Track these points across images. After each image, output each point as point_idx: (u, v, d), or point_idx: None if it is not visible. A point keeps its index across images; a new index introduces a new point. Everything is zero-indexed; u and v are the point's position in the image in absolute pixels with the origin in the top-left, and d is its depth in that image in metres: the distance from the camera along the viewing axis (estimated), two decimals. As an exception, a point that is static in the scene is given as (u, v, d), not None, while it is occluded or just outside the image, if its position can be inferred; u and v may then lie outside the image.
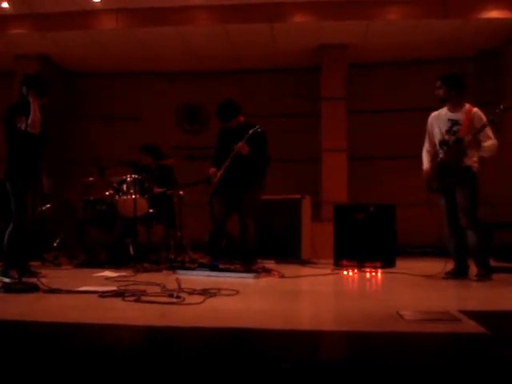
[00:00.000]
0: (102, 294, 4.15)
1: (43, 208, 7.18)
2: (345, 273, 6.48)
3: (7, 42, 9.40)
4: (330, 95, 9.52)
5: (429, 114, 5.77)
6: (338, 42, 9.28)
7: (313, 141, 9.92)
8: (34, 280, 4.77)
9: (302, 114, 10.40)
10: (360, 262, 6.95)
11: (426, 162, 5.73)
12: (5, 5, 8.66)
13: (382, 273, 6.46)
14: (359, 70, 10.00)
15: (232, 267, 6.23)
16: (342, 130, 9.42)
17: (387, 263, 6.92)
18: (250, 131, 6.04)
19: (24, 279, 4.78)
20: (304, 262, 7.51)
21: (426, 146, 5.76)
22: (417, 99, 9.52)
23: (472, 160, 5.38)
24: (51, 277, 5.32)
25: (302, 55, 9.87)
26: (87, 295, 4.22)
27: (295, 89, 10.47)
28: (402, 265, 6.95)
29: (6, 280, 4.80)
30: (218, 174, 6.30)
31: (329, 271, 6.52)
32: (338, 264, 7.15)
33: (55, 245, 7.71)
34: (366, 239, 7.07)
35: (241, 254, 6.39)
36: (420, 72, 9.88)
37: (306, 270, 6.64)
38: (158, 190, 7.42)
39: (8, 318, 3.26)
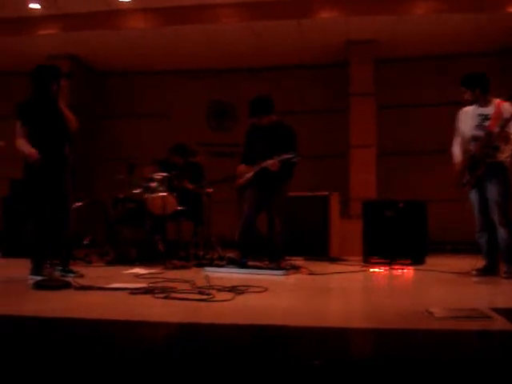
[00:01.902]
0: (133, 291, 4.19)
1: (73, 206, 7.26)
2: (374, 270, 6.44)
3: (38, 43, 9.56)
4: (359, 91, 9.47)
5: (458, 108, 5.71)
6: (366, 37, 9.22)
7: (341, 137, 9.88)
8: (67, 278, 4.85)
9: (329, 109, 10.37)
10: (389, 260, 6.91)
11: (456, 157, 5.67)
12: (36, 6, 8.78)
13: (411, 270, 6.41)
14: (387, 65, 9.93)
15: (261, 264, 6.24)
16: (370, 126, 9.37)
17: (417, 260, 6.87)
18: (286, 157, 5.92)
19: (59, 277, 4.88)
20: (333, 259, 7.49)
21: (457, 141, 5.70)
22: (445, 93, 9.41)
23: (505, 155, 5.32)
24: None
25: (330, 51, 9.83)
26: (118, 292, 4.25)
27: (323, 85, 10.44)
28: (432, 262, 6.90)
29: (38, 278, 4.86)
30: (247, 176, 6.27)
31: (358, 268, 6.49)
32: (368, 261, 7.11)
33: (86, 242, 7.82)
34: (395, 236, 7.02)
35: (269, 251, 6.39)
36: (447, 66, 9.78)
37: (334, 267, 6.61)
38: (190, 185, 7.46)
39: (41, 315, 3.32)
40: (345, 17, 8.61)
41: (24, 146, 5.09)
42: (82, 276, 5.19)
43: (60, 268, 5.21)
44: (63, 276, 5.06)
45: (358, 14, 8.54)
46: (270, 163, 5.96)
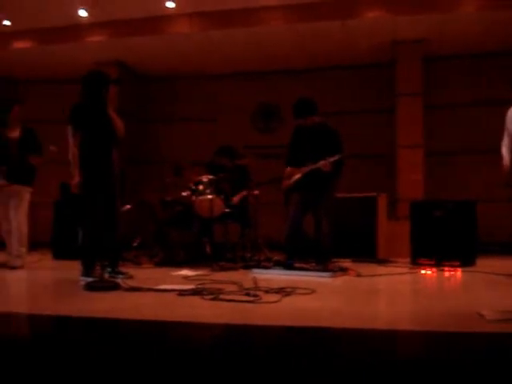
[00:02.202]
0: (181, 293, 4.24)
1: (123, 209, 7.38)
2: (423, 272, 6.35)
3: (85, 49, 9.75)
4: (406, 91, 9.35)
5: (507, 107, 5.59)
6: (413, 36, 9.09)
7: (388, 137, 9.78)
8: (116, 279, 4.95)
9: (376, 110, 10.27)
10: (438, 261, 6.82)
11: (505, 157, 5.56)
12: (84, 13, 8.97)
13: (461, 272, 6.31)
14: (435, 64, 9.78)
15: (307, 266, 6.23)
16: (418, 126, 9.24)
17: (467, 262, 6.75)
18: (337, 157, 5.94)
19: (108, 278, 4.97)
20: (380, 261, 7.42)
21: (505, 141, 5.58)
22: (495, 92, 9.22)
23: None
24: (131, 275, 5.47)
25: (376, 51, 9.74)
26: (166, 293, 4.31)
27: (369, 85, 10.35)
28: (482, 263, 6.77)
29: (88, 279, 4.96)
30: (295, 178, 6.27)
31: (406, 270, 6.42)
32: (416, 263, 7.02)
33: (135, 244, 7.95)
34: (444, 237, 6.92)
35: (316, 252, 6.37)
36: (497, 64, 9.58)
37: (382, 269, 6.56)
38: (236, 199, 7.49)
39: (92, 316, 3.39)
40: (391, 16, 8.51)
41: (74, 168, 5.29)
42: (131, 277, 5.28)
43: (109, 270, 5.31)
44: (113, 277, 5.16)
45: (405, 13, 8.43)
46: (322, 164, 5.95)
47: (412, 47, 9.30)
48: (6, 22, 9.30)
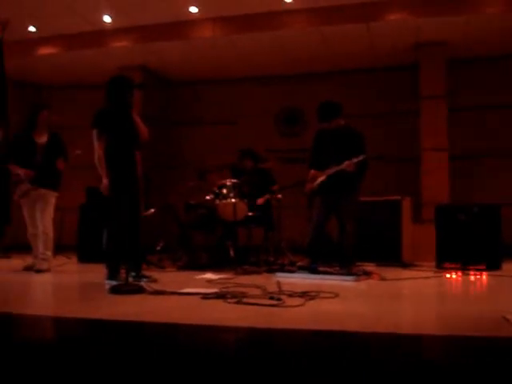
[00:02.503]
0: (205, 296, 4.25)
1: (146, 212, 7.43)
2: (448, 276, 6.30)
3: (110, 54, 9.86)
4: (430, 93, 9.29)
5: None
6: (436, 38, 9.03)
7: (412, 140, 9.71)
8: (140, 282, 4.99)
9: (400, 112, 10.22)
10: (464, 265, 6.76)
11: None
12: (108, 19, 9.06)
13: (486, 275, 6.23)
14: (459, 67, 9.70)
15: (331, 270, 6.21)
16: (442, 129, 9.17)
17: (492, 265, 6.67)
18: (361, 157, 5.94)
19: (132, 281, 5.01)
20: (405, 265, 7.37)
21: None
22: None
23: None
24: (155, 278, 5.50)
25: (399, 53, 9.69)
26: (190, 297, 4.32)
27: (392, 88, 10.30)
28: (507, 267, 6.69)
29: (113, 282, 5.00)
30: (319, 180, 6.27)
31: (431, 274, 6.37)
32: (441, 267, 6.97)
33: (159, 248, 7.99)
34: (469, 241, 6.86)
35: (340, 256, 6.34)
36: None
37: (407, 273, 6.51)
38: (260, 200, 7.50)
39: (116, 319, 3.41)
40: (414, 18, 8.46)
41: (102, 171, 5.33)
42: (155, 281, 5.30)
43: (133, 274, 5.34)
44: (137, 281, 5.19)
45: (428, 15, 8.37)
46: (346, 164, 5.96)
47: (435, 49, 9.24)
48: (32, 29, 9.42)
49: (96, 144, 5.39)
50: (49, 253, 6.71)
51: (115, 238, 5.31)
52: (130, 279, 4.99)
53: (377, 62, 10.19)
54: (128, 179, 5.31)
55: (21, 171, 6.68)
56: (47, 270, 6.58)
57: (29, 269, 6.70)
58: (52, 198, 6.75)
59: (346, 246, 6.17)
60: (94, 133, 5.40)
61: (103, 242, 5.36)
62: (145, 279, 5.30)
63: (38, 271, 6.48)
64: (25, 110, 7.44)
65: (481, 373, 2.21)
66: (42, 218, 6.65)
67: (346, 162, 5.96)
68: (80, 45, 9.71)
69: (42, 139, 6.74)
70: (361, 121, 8.12)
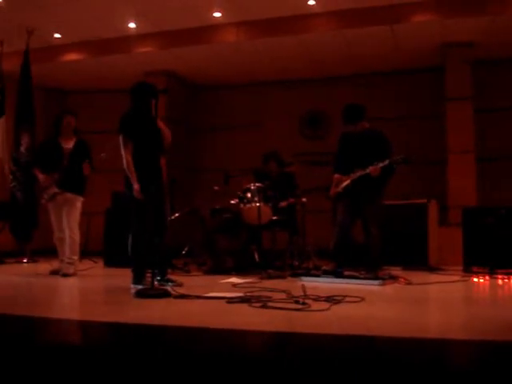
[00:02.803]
0: (230, 300, 4.25)
1: (172, 217, 7.46)
2: (475, 280, 6.23)
3: (135, 60, 9.93)
4: (456, 95, 9.19)
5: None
6: (462, 39, 8.93)
7: (438, 142, 9.63)
8: (165, 286, 5.01)
9: (425, 115, 10.13)
10: (492, 269, 6.68)
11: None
12: (132, 25, 9.13)
13: (515, 279, 6.16)
14: (484, 68, 9.58)
15: (357, 274, 6.17)
16: (469, 131, 9.06)
17: (521, 269, 6.59)
18: (387, 162, 5.92)
19: (158, 285, 5.03)
20: (432, 269, 7.30)
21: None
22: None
23: None
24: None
25: (424, 55, 9.62)
26: (215, 301, 4.33)
27: (417, 90, 10.23)
28: (537, 271, 6.59)
29: (139, 287, 5.02)
30: (344, 184, 6.24)
31: (458, 278, 6.30)
32: (468, 270, 6.90)
33: (184, 252, 8.02)
34: (497, 244, 6.78)
35: (366, 260, 6.30)
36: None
37: (433, 277, 6.45)
38: (284, 203, 7.49)
39: (142, 322, 3.42)
40: (439, 20, 8.38)
41: (132, 176, 5.34)
42: (181, 285, 5.32)
43: (159, 278, 5.36)
44: (162, 285, 5.21)
45: (453, 16, 8.28)
46: (372, 169, 5.92)
47: (461, 51, 9.13)
48: (57, 35, 9.53)
49: (123, 149, 5.41)
50: (75, 257, 6.77)
51: (141, 243, 5.33)
52: (156, 283, 5.01)
53: (401, 65, 10.12)
54: (154, 184, 5.32)
55: (41, 177, 6.77)
56: (73, 274, 6.64)
57: (55, 273, 6.77)
58: (78, 202, 6.81)
59: (371, 250, 6.13)
60: (121, 138, 5.43)
61: (128, 247, 5.38)
62: (171, 283, 5.32)
63: (64, 275, 6.54)
64: (50, 115, 7.53)
65: (509, 378, 2.17)
66: (68, 222, 6.72)
67: (371, 167, 5.93)
68: (105, 51, 9.80)
69: (69, 144, 6.82)
70: (386, 123, 8.05)
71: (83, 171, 6.65)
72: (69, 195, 6.74)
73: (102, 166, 7.36)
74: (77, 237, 6.80)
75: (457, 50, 9.13)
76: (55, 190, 6.71)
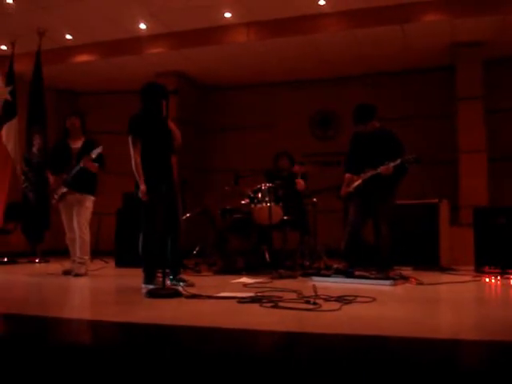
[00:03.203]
0: (240, 300, 4.25)
1: (183, 217, 7.47)
2: (487, 280, 6.20)
3: (145, 61, 9.98)
4: (467, 95, 9.15)
5: None
6: (473, 39, 8.90)
7: (449, 142, 9.60)
8: (177, 286, 5.02)
9: (436, 114, 10.11)
10: (503, 269, 6.64)
11: None
12: (143, 26, 9.17)
13: (528, 279, 6.13)
14: (495, 67, 9.54)
15: (368, 274, 6.16)
16: (480, 130, 9.03)
17: (534, 269, 6.55)
18: (398, 161, 5.90)
19: (171, 285, 5.04)
20: (443, 269, 7.27)
21: None
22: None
23: None
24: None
25: (435, 55, 9.59)
26: (226, 301, 4.33)
27: (428, 89, 10.20)
28: (550, 271, 6.55)
29: (150, 286, 5.03)
30: (355, 184, 6.23)
31: (469, 278, 6.27)
32: (480, 271, 6.86)
33: (195, 252, 8.03)
34: (509, 244, 6.74)
35: (376, 260, 6.29)
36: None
37: (445, 277, 6.42)
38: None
39: (153, 322, 3.43)
40: (449, 19, 8.35)
41: (139, 177, 5.36)
42: (193, 285, 5.32)
43: (171, 277, 5.38)
44: (174, 285, 5.22)
45: (464, 15, 8.25)
46: (383, 169, 5.91)
47: (472, 50, 9.10)
48: (68, 37, 9.58)
49: (132, 150, 5.43)
50: (86, 257, 6.81)
51: (151, 243, 5.33)
52: (168, 283, 5.02)
53: (412, 64, 10.10)
54: (164, 184, 5.30)
55: (51, 179, 6.82)
56: (84, 274, 6.68)
57: (67, 273, 6.80)
58: (88, 201, 6.84)
59: (382, 249, 6.11)
60: (130, 139, 5.44)
61: (139, 247, 5.39)
62: (182, 283, 5.33)
63: (76, 275, 6.58)
64: (62, 116, 7.56)
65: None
66: (78, 222, 6.76)
67: (382, 167, 5.92)
68: (116, 52, 9.85)
69: (77, 144, 6.86)
70: (396, 123, 8.03)
71: (91, 170, 6.64)
72: (78, 195, 6.77)
73: (113, 167, 7.39)
74: (87, 237, 6.82)
75: (467, 49, 9.10)
76: (64, 189, 6.75)
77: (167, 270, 5.08)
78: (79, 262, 6.72)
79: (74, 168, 6.67)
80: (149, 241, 5.33)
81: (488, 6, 8.13)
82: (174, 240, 5.45)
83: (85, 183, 6.76)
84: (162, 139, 5.43)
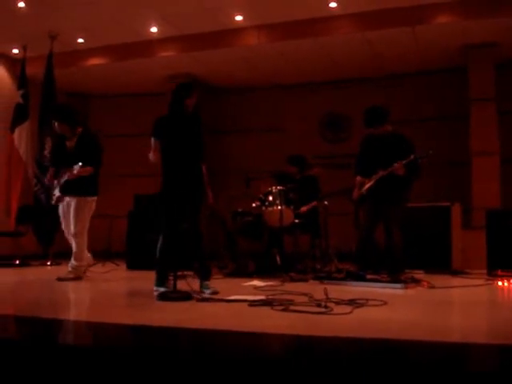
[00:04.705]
0: (252, 303, 4.25)
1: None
2: (500, 283, 6.15)
3: (157, 64, 10.01)
4: (479, 96, 9.09)
5: None
6: (485, 40, 8.84)
7: (461, 144, 9.55)
8: (204, 293, 4.94)
9: (448, 116, 10.05)
10: (516, 272, 6.60)
11: None
12: (154, 29, 9.20)
13: (541, 283, 6.07)
14: (508, 69, 9.47)
15: (379, 277, 6.13)
16: (493, 132, 8.97)
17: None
18: (412, 157, 5.85)
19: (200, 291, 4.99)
20: (455, 272, 7.23)
21: None
22: None
23: None
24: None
25: (446, 56, 9.55)
26: (237, 304, 4.33)
27: (440, 91, 10.15)
28: None
29: (162, 289, 5.00)
30: (367, 185, 6.19)
31: (482, 282, 6.23)
32: (492, 274, 6.81)
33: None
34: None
35: (388, 263, 6.25)
36: None
37: (457, 281, 6.38)
38: (304, 208, 7.46)
39: (164, 325, 3.43)
40: (462, 20, 8.30)
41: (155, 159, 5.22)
42: (216, 293, 5.02)
43: (206, 282, 5.19)
44: (202, 292, 5.03)
45: (475, 17, 8.21)
46: (396, 167, 5.86)
47: (484, 51, 9.05)
48: (80, 40, 9.63)
49: (151, 151, 5.28)
50: (75, 263, 6.50)
51: (167, 246, 5.24)
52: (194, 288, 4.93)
53: (423, 66, 10.06)
54: (186, 188, 5.12)
55: (48, 174, 6.69)
56: (76, 279, 6.41)
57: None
58: (82, 203, 6.46)
59: (393, 253, 6.06)
60: (152, 141, 5.30)
61: (158, 249, 5.25)
62: (206, 290, 5.08)
63: (58, 279, 6.33)
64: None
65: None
66: (74, 226, 6.46)
67: (395, 165, 5.86)
68: (127, 55, 9.89)
69: (72, 143, 6.53)
70: (408, 125, 8.01)
71: (84, 175, 6.28)
72: (70, 198, 6.48)
73: (125, 169, 7.37)
74: (80, 239, 6.49)
75: (480, 50, 9.05)
76: (57, 193, 6.53)
77: (177, 273, 5.00)
78: (70, 267, 6.50)
79: (68, 167, 6.27)
80: (165, 243, 5.22)
81: (500, 7, 8.08)
82: (198, 246, 5.32)
83: (76, 185, 6.35)
84: (187, 142, 5.23)
